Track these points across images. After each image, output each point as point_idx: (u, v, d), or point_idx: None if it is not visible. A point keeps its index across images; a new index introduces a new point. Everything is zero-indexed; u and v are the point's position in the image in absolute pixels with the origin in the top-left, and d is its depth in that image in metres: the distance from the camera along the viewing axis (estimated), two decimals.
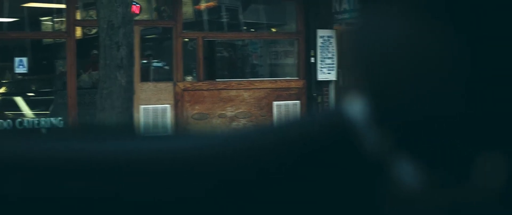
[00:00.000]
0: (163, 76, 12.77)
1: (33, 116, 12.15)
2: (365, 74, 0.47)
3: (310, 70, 13.28)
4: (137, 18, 11.62)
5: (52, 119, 11.94)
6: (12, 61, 11.81)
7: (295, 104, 13.30)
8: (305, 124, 0.54)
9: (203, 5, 13.41)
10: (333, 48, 13.10)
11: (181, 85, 12.60)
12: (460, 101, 0.41)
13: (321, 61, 13.13)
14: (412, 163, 0.45)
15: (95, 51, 10.90)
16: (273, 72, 13.93)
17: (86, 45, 12.40)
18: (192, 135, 0.57)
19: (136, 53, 10.92)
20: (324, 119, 0.53)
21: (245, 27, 13.70)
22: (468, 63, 0.41)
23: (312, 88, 13.29)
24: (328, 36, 13.13)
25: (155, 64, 12.90)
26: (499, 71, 0.41)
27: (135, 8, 11.34)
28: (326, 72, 13.23)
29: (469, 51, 0.41)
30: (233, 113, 12.90)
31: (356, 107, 0.48)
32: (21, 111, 12.22)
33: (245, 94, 13.01)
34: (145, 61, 12.65)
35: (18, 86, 12.86)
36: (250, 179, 0.50)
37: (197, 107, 12.68)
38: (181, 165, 0.51)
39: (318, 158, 0.50)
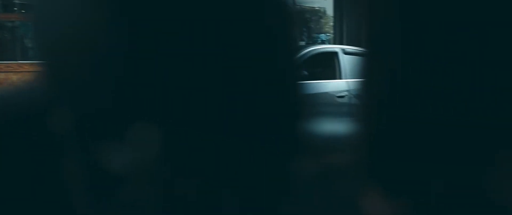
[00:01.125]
0: None
1: None
2: (44, 61, 0.46)
3: None
4: None
5: None
6: None
7: None
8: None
9: None
10: None
11: None
12: (111, 94, 0.40)
13: None
14: (96, 147, 0.44)
15: None
16: None
17: None
18: None
19: None
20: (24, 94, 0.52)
21: (16, 8, 13.20)
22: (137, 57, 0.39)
23: None
24: None
25: None
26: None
27: None
28: None
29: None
30: None
31: (45, 88, 0.47)
32: None
33: (14, 77, 12.56)
34: None
35: None
36: None
37: None
38: None
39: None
